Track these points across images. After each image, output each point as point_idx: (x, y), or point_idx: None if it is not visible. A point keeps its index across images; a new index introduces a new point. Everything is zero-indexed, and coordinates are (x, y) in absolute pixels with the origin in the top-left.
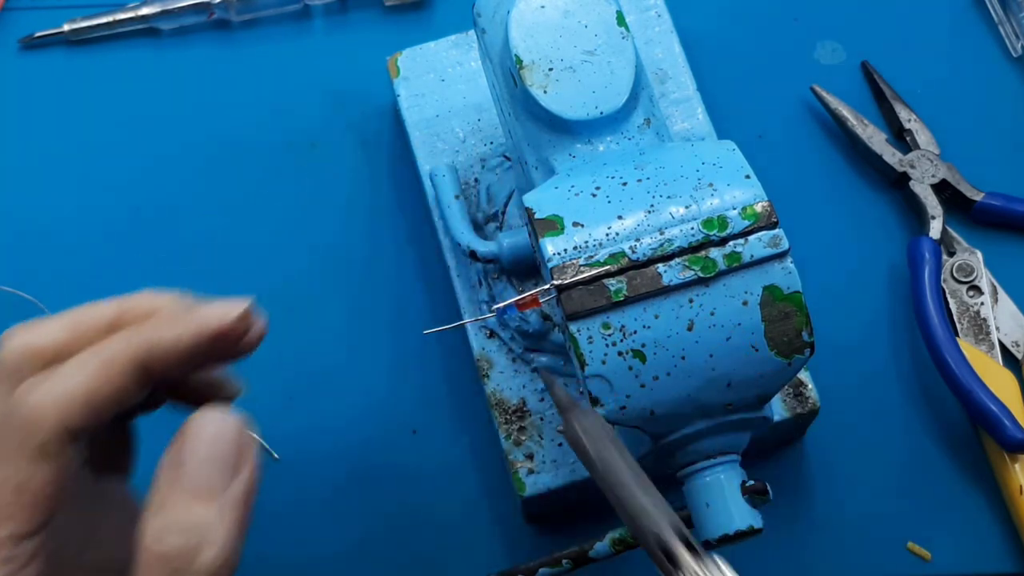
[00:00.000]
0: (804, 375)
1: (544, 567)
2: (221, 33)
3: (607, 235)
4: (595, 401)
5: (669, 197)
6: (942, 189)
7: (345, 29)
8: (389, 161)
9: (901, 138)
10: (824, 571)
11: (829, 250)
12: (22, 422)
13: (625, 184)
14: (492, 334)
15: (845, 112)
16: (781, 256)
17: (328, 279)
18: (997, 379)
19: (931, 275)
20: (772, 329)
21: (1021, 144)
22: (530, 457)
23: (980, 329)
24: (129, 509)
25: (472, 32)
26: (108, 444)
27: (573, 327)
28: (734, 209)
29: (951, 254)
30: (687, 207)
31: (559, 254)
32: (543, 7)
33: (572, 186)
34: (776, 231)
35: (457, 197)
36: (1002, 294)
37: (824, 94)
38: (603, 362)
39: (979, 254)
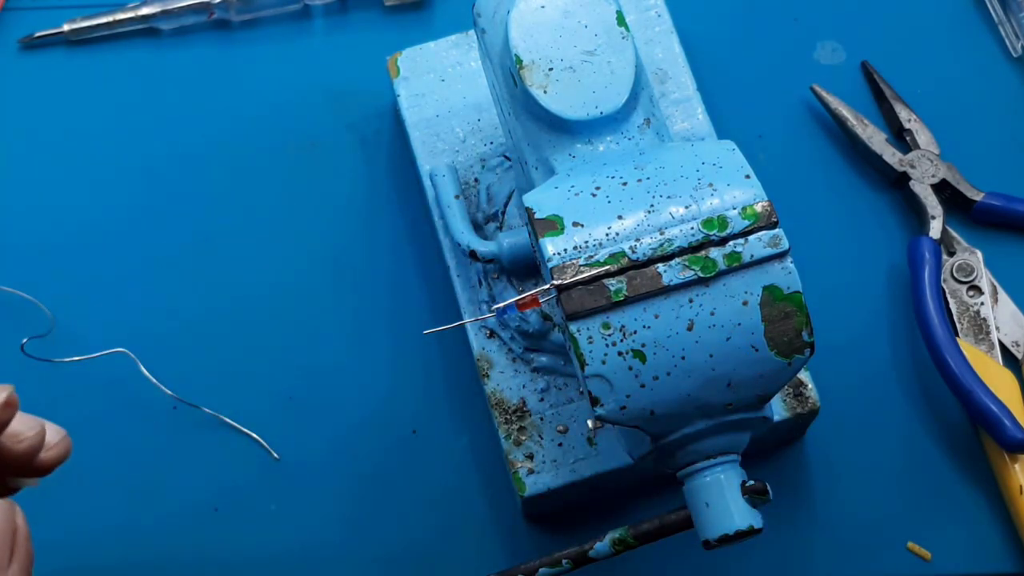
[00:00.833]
0: (804, 375)
1: (544, 567)
2: (221, 33)
3: (607, 235)
4: (595, 401)
5: (669, 197)
6: (942, 189)
7: (345, 29)
8: (389, 161)
9: (901, 138)
10: (824, 571)
11: (829, 250)
12: None
13: (625, 184)
14: (492, 334)
15: (845, 112)
16: (781, 256)
17: (328, 279)
18: (997, 379)
19: (931, 275)
20: (772, 329)
21: (1021, 144)
22: (530, 457)
23: (980, 329)
24: None
25: (472, 32)
26: None
27: (573, 327)
28: (734, 209)
29: (951, 254)
30: (687, 207)
31: (559, 254)
32: (543, 7)
33: (572, 186)
34: (776, 231)
35: (457, 197)
36: (1002, 294)
37: (824, 94)
38: (603, 362)
39: (979, 254)
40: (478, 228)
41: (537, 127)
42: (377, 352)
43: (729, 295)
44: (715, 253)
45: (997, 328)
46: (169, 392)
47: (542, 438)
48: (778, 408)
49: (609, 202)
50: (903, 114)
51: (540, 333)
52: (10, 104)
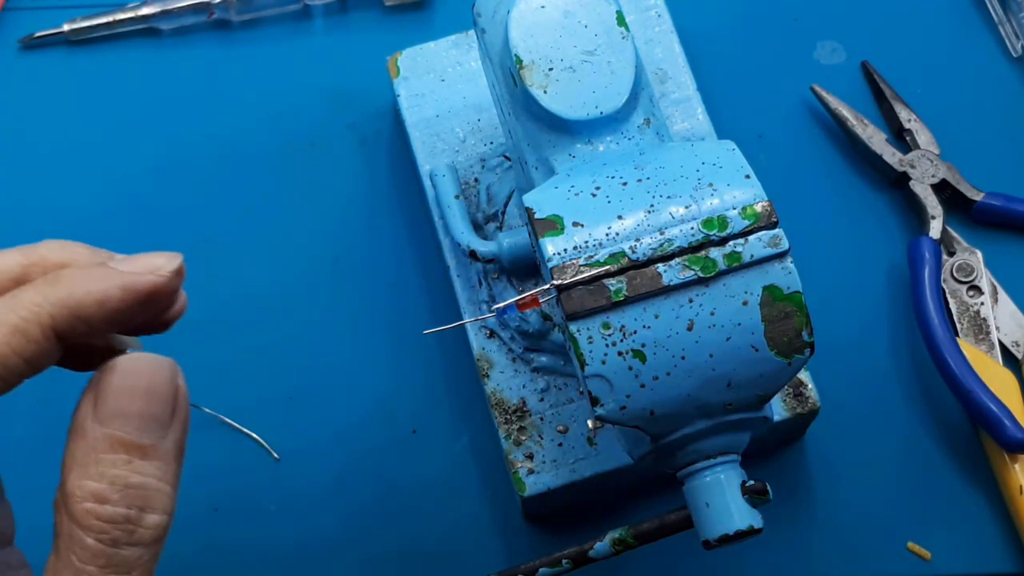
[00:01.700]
0: (804, 375)
1: (544, 567)
2: (221, 33)
3: (607, 235)
4: (595, 401)
5: (669, 197)
6: (942, 189)
7: (345, 29)
8: (389, 161)
9: (901, 138)
10: (824, 571)
11: (829, 250)
12: None
13: (625, 184)
14: (492, 334)
15: (845, 112)
16: (781, 256)
17: (328, 279)
18: (997, 379)
19: (931, 275)
20: (772, 329)
21: (1021, 144)
22: (530, 457)
23: (980, 329)
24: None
25: (472, 32)
26: None
27: (573, 327)
28: (734, 209)
29: (951, 254)
30: (687, 207)
31: (559, 254)
32: (543, 7)
33: (572, 186)
34: (776, 231)
35: (457, 197)
36: (1002, 294)
37: (824, 94)
38: (603, 362)
39: (979, 254)
40: (478, 228)
41: (537, 127)
42: (377, 352)
43: (729, 295)
44: (715, 253)
45: (997, 328)
46: None
47: (542, 438)
48: (778, 408)
49: (609, 202)
50: (903, 114)
51: (540, 333)
52: (10, 104)
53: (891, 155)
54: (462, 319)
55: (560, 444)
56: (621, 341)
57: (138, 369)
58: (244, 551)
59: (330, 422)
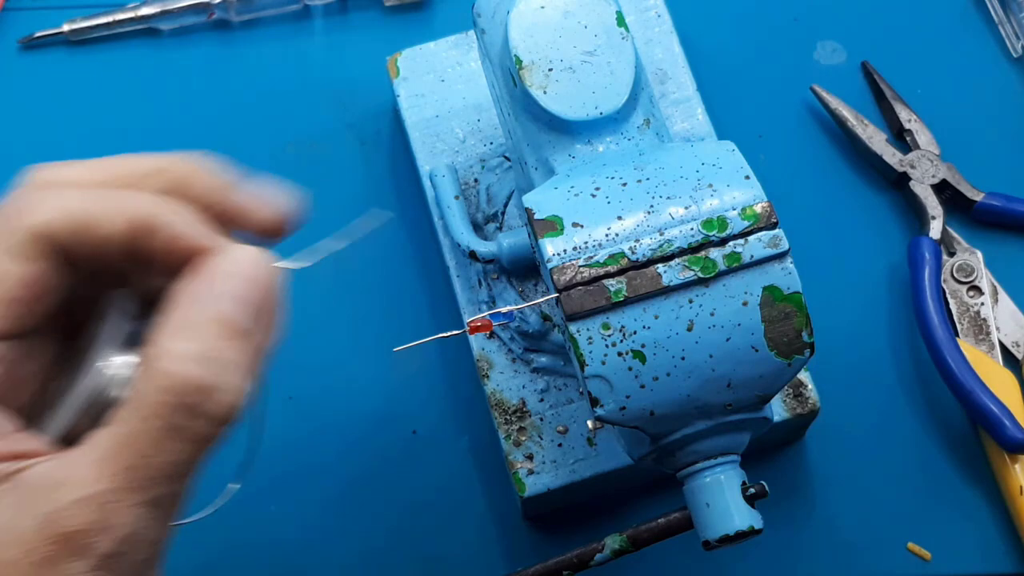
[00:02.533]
0: (804, 375)
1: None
2: (221, 33)
3: (607, 236)
4: (595, 401)
5: (669, 198)
6: (942, 189)
7: (345, 29)
8: (389, 161)
9: (901, 138)
10: (824, 571)
11: (829, 250)
12: (9, 215)
13: (625, 185)
14: (492, 334)
15: (845, 112)
16: (781, 256)
17: (328, 279)
18: (997, 379)
19: (931, 275)
20: (772, 330)
21: (1021, 144)
22: (530, 457)
23: (980, 329)
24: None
25: (472, 32)
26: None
27: (573, 328)
28: (734, 210)
29: (951, 254)
30: (687, 208)
31: (559, 255)
32: (543, 7)
33: (572, 187)
34: (776, 231)
35: (457, 197)
36: (1002, 294)
37: (824, 94)
38: (603, 362)
39: (979, 254)
40: (478, 228)
41: (537, 127)
42: (377, 352)
43: (729, 296)
44: (715, 254)
45: (997, 328)
46: None
47: (542, 438)
48: (778, 408)
49: (609, 203)
50: (903, 114)
51: (540, 333)
52: (10, 104)
53: (891, 155)
54: (462, 319)
55: (560, 445)
56: (621, 342)
57: (244, 263)
58: (243, 551)
59: (330, 422)
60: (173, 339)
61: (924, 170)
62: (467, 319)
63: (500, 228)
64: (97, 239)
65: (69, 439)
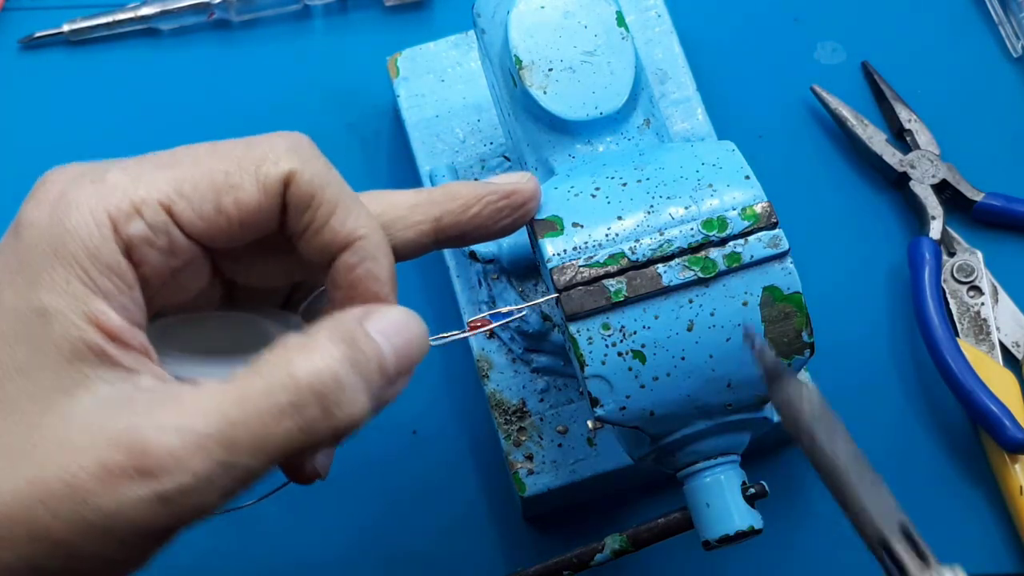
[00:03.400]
0: (804, 375)
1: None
2: (221, 33)
3: (607, 236)
4: (595, 402)
5: (669, 198)
6: (942, 189)
7: (345, 29)
8: (389, 161)
9: (901, 138)
10: (823, 571)
11: (829, 250)
12: (270, 151)
13: (625, 185)
14: (492, 334)
15: (845, 112)
16: (781, 256)
17: None
18: (997, 379)
19: (931, 275)
20: (772, 330)
21: (1021, 144)
22: (530, 458)
23: (980, 329)
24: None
25: (472, 32)
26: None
27: (573, 328)
28: (734, 210)
29: (951, 254)
30: (687, 208)
31: (559, 255)
32: (543, 7)
33: (572, 187)
34: (776, 231)
35: None
36: (1002, 294)
37: (824, 94)
38: (603, 362)
39: (979, 254)
40: None
41: (537, 128)
42: None
43: (729, 296)
44: (715, 254)
45: (997, 328)
46: None
47: (542, 439)
48: None
49: (609, 203)
50: (903, 114)
51: (540, 334)
52: (10, 104)
53: (891, 155)
54: (462, 319)
55: (560, 445)
56: (621, 342)
57: (411, 324)
58: (243, 552)
59: None
60: (334, 341)
61: (924, 170)
62: (467, 319)
63: None
64: (316, 225)
65: None
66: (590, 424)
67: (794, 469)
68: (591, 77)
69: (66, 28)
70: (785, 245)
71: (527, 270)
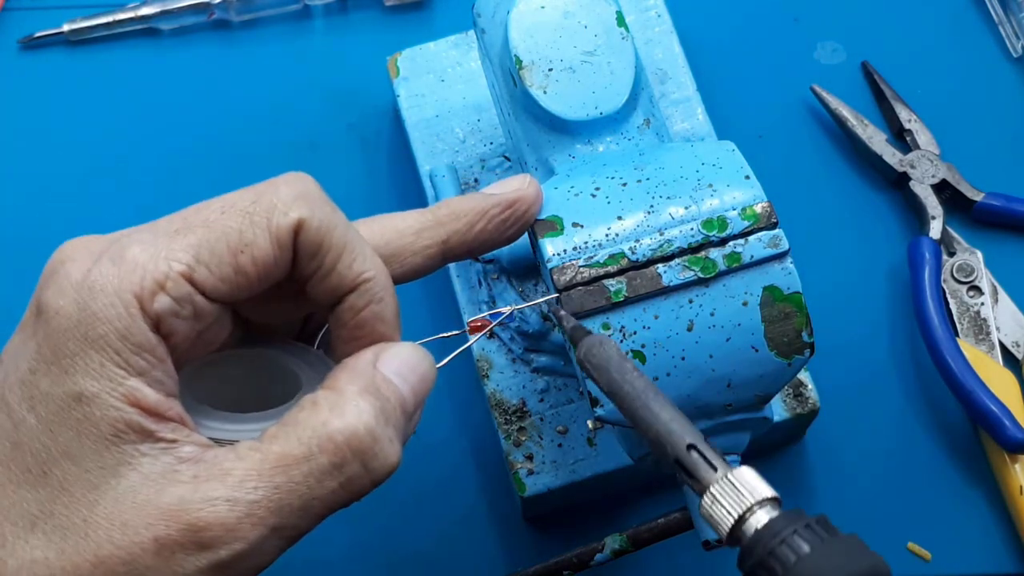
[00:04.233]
0: (804, 375)
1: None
2: (221, 33)
3: (607, 236)
4: (595, 401)
5: (669, 198)
6: (942, 189)
7: (345, 29)
8: (389, 161)
9: (901, 138)
10: None
11: (829, 250)
12: (283, 195)
13: (625, 185)
14: (492, 334)
15: (845, 112)
16: (781, 256)
17: None
18: (997, 379)
19: (931, 275)
20: (772, 330)
21: (1021, 144)
22: (530, 458)
23: (980, 329)
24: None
25: (472, 32)
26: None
27: None
28: (734, 210)
29: (951, 254)
30: (687, 208)
31: (559, 255)
32: (543, 7)
33: (572, 187)
34: (776, 231)
35: None
36: (1002, 294)
37: (824, 94)
38: None
39: (979, 254)
40: None
41: (537, 127)
42: None
43: (729, 296)
44: (715, 254)
45: (997, 328)
46: None
47: (542, 439)
48: (778, 409)
49: (609, 203)
50: (903, 114)
51: (540, 334)
52: (10, 104)
53: (891, 155)
54: (462, 319)
55: (560, 445)
56: (621, 342)
57: (420, 355)
58: None
59: None
60: (362, 394)
61: (924, 170)
62: (467, 319)
63: None
64: (324, 270)
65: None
66: (590, 424)
67: (794, 469)
68: (591, 77)
69: (66, 28)
70: (785, 245)
71: (527, 270)
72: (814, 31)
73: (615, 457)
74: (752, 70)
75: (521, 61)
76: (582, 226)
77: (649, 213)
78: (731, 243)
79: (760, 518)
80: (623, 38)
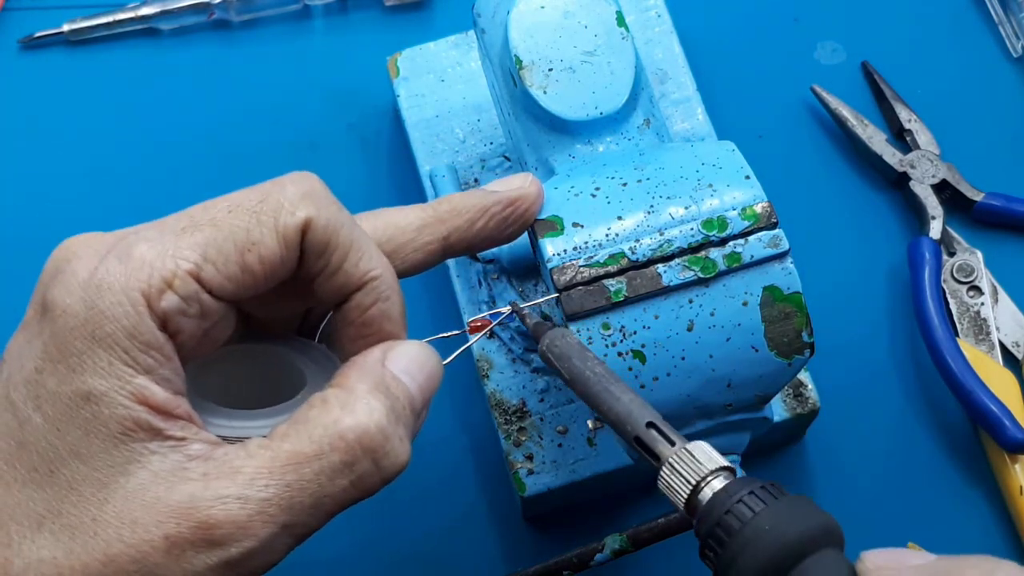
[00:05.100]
0: (804, 375)
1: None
2: (221, 33)
3: (607, 236)
4: None
5: (669, 198)
6: (942, 189)
7: (345, 29)
8: (389, 161)
9: (901, 138)
10: None
11: (829, 250)
12: (292, 195)
13: (625, 185)
14: (492, 334)
15: (845, 112)
16: (781, 256)
17: None
18: (997, 379)
19: (931, 275)
20: (772, 330)
21: (1021, 144)
22: (530, 458)
23: (980, 329)
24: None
25: (472, 32)
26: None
27: (573, 328)
28: (734, 210)
29: (951, 254)
30: (687, 208)
31: (559, 255)
32: (543, 7)
33: (572, 187)
34: (776, 231)
35: None
36: (1002, 294)
37: (824, 94)
38: None
39: (979, 254)
40: None
41: (537, 128)
42: None
43: (729, 296)
44: (715, 254)
45: (997, 328)
46: None
47: (542, 438)
48: (778, 409)
49: (609, 203)
50: (903, 114)
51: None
52: (10, 104)
53: (891, 155)
54: (462, 319)
55: (560, 445)
56: (621, 341)
57: (428, 353)
58: None
59: None
60: (373, 393)
61: (924, 170)
62: (467, 319)
63: None
64: (331, 269)
65: None
66: (590, 424)
67: (794, 469)
68: (591, 77)
69: (66, 28)
70: (785, 245)
71: (527, 270)
72: (814, 31)
73: (615, 457)
74: (752, 70)
75: (521, 61)
76: (582, 226)
77: (649, 213)
78: (731, 243)
79: (714, 486)
80: (623, 38)
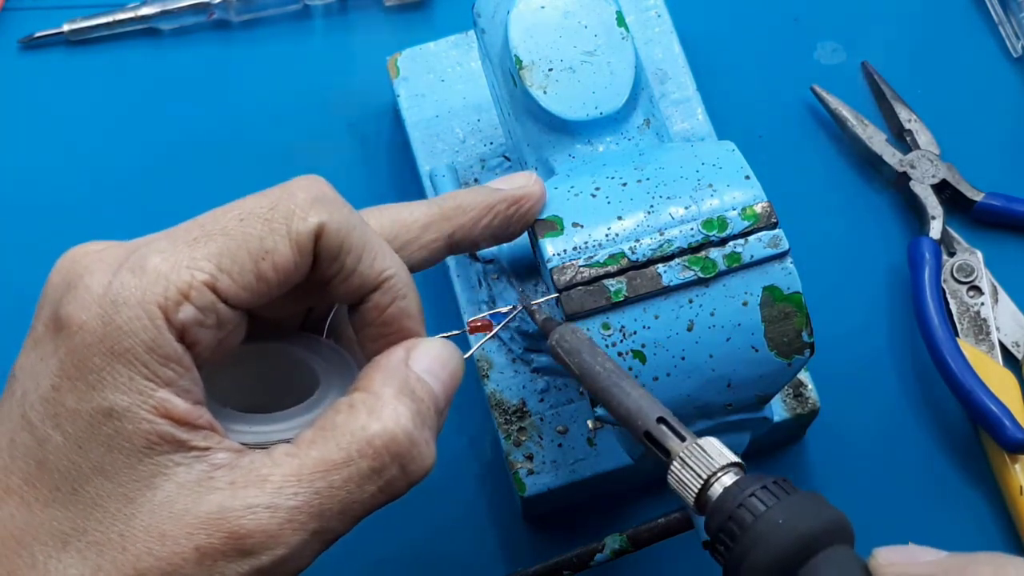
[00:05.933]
0: (804, 375)
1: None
2: (221, 33)
3: (607, 236)
4: (595, 401)
5: (669, 198)
6: (942, 189)
7: (345, 29)
8: (389, 161)
9: (901, 138)
10: None
11: (829, 250)
12: (302, 201)
13: (625, 185)
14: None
15: (845, 112)
16: (781, 256)
17: None
18: (997, 379)
19: (931, 275)
20: (772, 330)
21: (1021, 144)
22: (530, 458)
23: (980, 329)
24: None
25: (472, 32)
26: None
27: None
28: (734, 210)
29: (951, 254)
30: (687, 208)
31: (559, 255)
32: (543, 7)
33: (572, 187)
34: (776, 231)
35: None
36: (1002, 294)
37: (824, 94)
38: None
39: (979, 254)
40: None
41: (537, 128)
42: None
43: (729, 296)
44: (715, 254)
45: (997, 328)
46: None
47: (542, 439)
48: (778, 409)
49: (609, 203)
50: (903, 114)
51: (540, 334)
52: (10, 104)
53: (891, 155)
54: (462, 319)
55: (560, 445)
56: (621, 341)
57: (450, 350)
58: None
59: None
60: (398, 396)
61: (924, 170)
62: (467, 319)
63: None
64: (346, 271)
65: None
66: (590, 424)
67: (794, 469)
68: (591, 77)
69: (66, 28)
70: (785, 245)
71: (527, 270)
72: (814, 31)
73: (615, 457)
74: (752, 70)
75: (521, 61)
76: (582, 226)
77: (649, 213)
78: (731, 243)
79: (724, 482)
80: (623, 38)
